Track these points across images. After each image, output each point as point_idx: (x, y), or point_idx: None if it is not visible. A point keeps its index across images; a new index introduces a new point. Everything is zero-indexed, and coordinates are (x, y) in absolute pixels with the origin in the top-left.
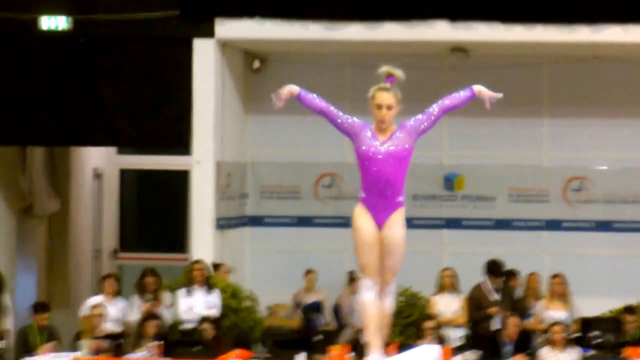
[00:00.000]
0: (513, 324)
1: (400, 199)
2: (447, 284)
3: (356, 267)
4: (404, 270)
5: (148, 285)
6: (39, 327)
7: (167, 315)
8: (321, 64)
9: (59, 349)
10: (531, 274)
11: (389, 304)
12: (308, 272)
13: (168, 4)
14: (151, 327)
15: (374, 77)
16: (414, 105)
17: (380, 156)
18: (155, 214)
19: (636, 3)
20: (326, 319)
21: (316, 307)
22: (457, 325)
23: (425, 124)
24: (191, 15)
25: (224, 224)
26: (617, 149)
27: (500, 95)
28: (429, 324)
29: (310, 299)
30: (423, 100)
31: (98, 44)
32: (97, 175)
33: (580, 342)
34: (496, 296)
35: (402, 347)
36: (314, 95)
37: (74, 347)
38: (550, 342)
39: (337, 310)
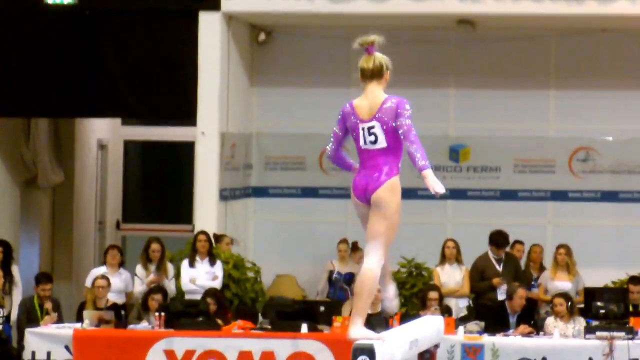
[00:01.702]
0: (520, 295)
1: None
2: (450, 255)
3: (360, 238)
4: (409, 241)
5: (153, 254)
6: (41, 298)
7: (170, 286)
8: (327, 37)
9: (61, 320)
10: (533, 246)
11: (368, 265)
12: (341, 241)
13: None
14: (156, 299)
15: (381, 49)
16: (421, 77)
17: (363, 128)
18: (159, 185)
19: None
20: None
21: (349, 280)
22: (461, 296)
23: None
24: None
25: (227, 194)
26: (623, 120)
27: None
28: (432, 294)
29: (343, 269)
30: (429, 73)
31: (103, 17)
32: (102, 147)
33: (585, 312)
34: (500, 267)
35: (406, 317)
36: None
37: (77, 319)
38: (555, 313)
39: None
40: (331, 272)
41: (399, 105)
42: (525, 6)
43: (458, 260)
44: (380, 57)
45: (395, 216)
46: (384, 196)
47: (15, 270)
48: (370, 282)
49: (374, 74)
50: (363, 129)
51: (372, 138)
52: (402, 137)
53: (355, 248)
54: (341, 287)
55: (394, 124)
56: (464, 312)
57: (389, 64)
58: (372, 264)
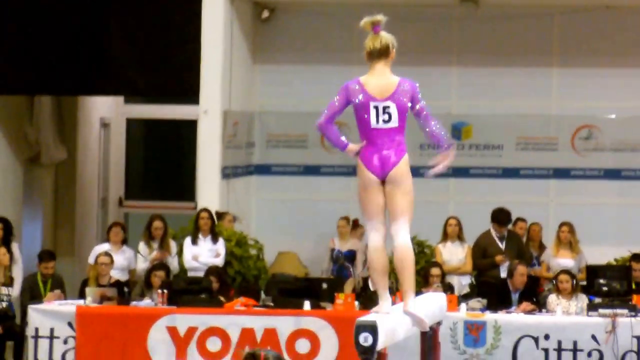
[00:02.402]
0: (520, 272)
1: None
2: (452, 233)
3: (361, 216)
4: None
5: (155, 231)
6: (44, 275)
7: (172, 263)
8: (330, 14)
9: (64, 297)
10: (532, 224)
11: (404, 241)
12: (341, 218)
13: None
14: (159, 276)
15: (384, 28)
16: (423, 54)
17: (377, 106)
18: (161, 163)
19: None
20: (358, 270)
21: (350, 257)
22: (463, 273)
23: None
24: None
25: (230, 172)
26: (626, 97)
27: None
28: (434, 271)
29: (343, 246)
30: (432, 51)
31: None
32: (104, 125)
33: (588, 290)
34: (502, 244)
35: None
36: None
37: (79, 295)
38: (557, 291)
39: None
40: (333, 250)
41: (414, 88)
42: None
43: (460, 237)
44: (386, 36)
45: (412, 191)
46: (402, 172)
47: (15, 247)
48: (411, 258)
49: (381, 53)
50: (377, 107)
51: (386, 117)
52: (422, 119)
53: (355, 225)
54: (343, 265)
55: (409, 107)
56: (467, 290)
57: (394, 43)
58: (408, 240)
